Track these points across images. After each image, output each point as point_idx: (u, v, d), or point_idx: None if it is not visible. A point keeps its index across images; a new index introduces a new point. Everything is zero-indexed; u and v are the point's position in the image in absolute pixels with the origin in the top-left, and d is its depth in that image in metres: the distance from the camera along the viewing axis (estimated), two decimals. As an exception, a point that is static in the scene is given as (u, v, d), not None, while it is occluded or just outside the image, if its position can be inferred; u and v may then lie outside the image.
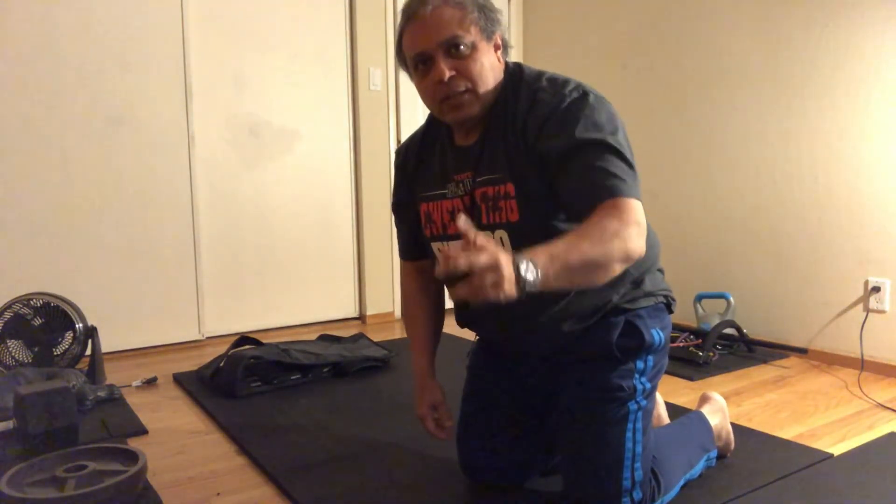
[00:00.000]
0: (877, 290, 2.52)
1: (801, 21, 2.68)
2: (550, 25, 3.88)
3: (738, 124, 2.95)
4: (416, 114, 3.60)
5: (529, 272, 0.98)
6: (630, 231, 1.10)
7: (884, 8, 2.44)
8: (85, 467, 1.51)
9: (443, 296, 1.61)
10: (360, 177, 3.52)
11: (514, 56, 4.02)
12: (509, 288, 0.95)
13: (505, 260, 0.95)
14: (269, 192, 3.29)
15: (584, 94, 1.24)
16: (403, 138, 3.55)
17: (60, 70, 2.73)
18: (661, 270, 1.50)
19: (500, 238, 1.30)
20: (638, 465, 1.35)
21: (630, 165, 1.20)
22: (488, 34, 1.29)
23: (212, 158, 3.12)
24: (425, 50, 1.26)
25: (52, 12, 2.70)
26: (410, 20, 1.28)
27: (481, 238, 0.96)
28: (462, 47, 1.25)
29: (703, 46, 3.06)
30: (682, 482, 1.50)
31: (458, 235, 1.37)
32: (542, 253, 1.02)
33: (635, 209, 1.15)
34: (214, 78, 3.10)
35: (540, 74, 1.31)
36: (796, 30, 2.70)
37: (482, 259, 0.92)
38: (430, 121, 1.49)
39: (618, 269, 1.11)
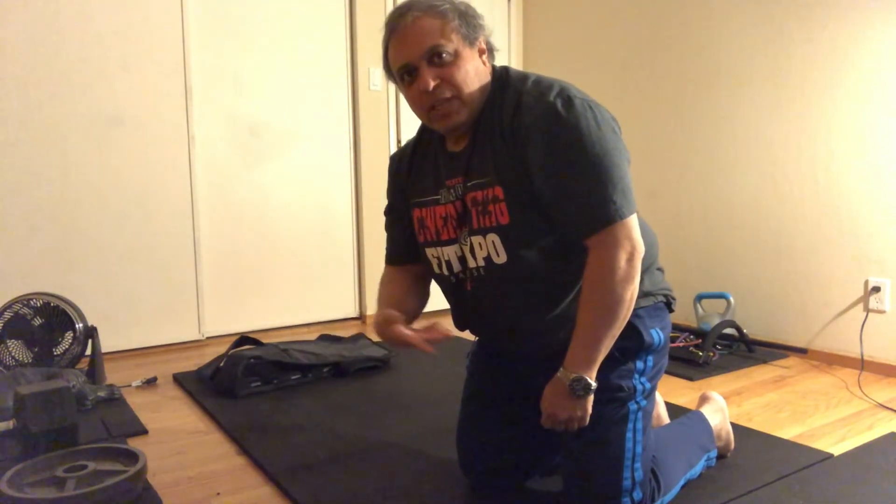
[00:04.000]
0: (877, 290, 2.52)
1: (801, 22, 2.68)
2: (550, 26, 3.88)
3: (738, 124, 2.95)
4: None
5: (586, 388, 1.25)
6: (623, 271, 1.21)
7: (884, 9, 2.44)
8: (85, 467, 1.51)
9: (426, 298, 1.56)
10: (360, 177, 3.52)
11: (514, 57, 4.02)
12: (585, 416, 1.28)
13: (584, 411, 1.27)
14: (269, 192, 3.29)
15: (570, 99, 1.22)
16: (403, 138, 3.56)
17: (60, 70, 2.73)
18: (660, 269, 1.50)
19: (493, 241, 1.30)
20: (638, 465, 1.35)
21: (619, 177, 1.21)
22: (471, 40, 1.29)
23: (212, 158, 3.12)
24: (409, 61, 1.28)
25: (52, 12, 2.70)
26: (393, 33, 1.30)
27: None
28: (444, 55, 1.26)
29: (703, 47, 3.06)
30: (682, 482, 1.50)
31: (450, 241, 1.38)
32: (585, 365, 1.25)
33: (625, 234, 1.21)
34: (214, 78, 3.10)
35: (525, 77, 1.31)
36: (796, 30, 2.70)
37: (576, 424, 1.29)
38: (423, 128, 1.49)
39: (631, 302, 1.24)
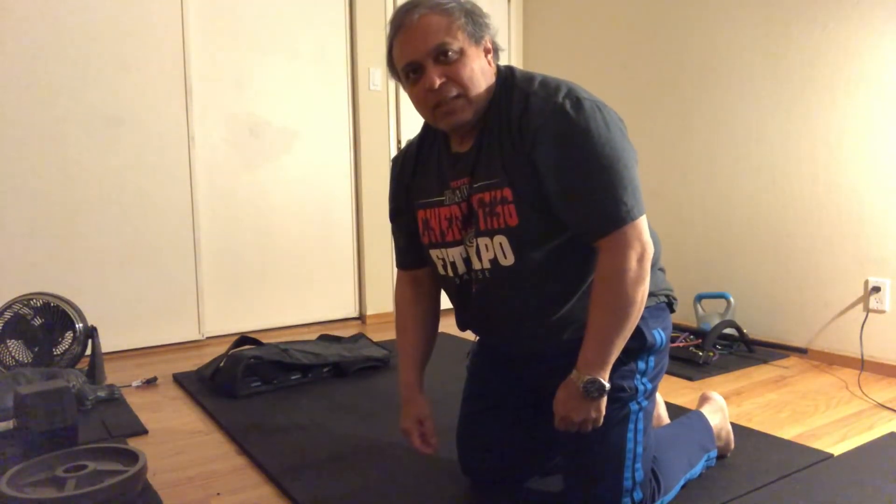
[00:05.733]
0: (877, 290, 2.52)
1: (801, 21, 2.68)
2: (551, 26, 3.88)
3: (738, 124, 2.95)
4: (416, 113, 3.59)
5: (600, 390, 1.24)
6: (634, 272, 1.21)
7: (883, 8, 2.44)
8: (85, 467, 1.51)
9: (438, 307, 1.59)
10: (360, 177, 3.52)
11: (514, 57, 4.02)
12: (599, 417, 1.28)
13: (599, 413, 1.27)
14: (269, 192, 3.29)
15: (579, 100, 1.22)
16: (403, 138, 3.56)
17: (60, 70, 2.73)
18: (662, 269, 1.50)
19: (500, 243, 1.30)
20: (638, 465, 1.35)
21: (629, 179, 1.21)
22: (477, 39, 1.29)
23: (212, 158, 3.12)
24: (414, 59, 1.27)
25: (53, 12, 2.70)
26: (398, 31, 1.28)
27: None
28: (450, 53, 1.25)
29: (704, 47, 3.06)
30: (682, 482, 1.50)
31: (455, 242, 1.38)
32: (598, 366, 1.24)
33: (635, 235, 1.21)
34: (214, 78, 3.10)
35: (532, 77, 1.30)
36: (796, 30, 2.70)
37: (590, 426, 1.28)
38: (426, 129, 1.49)
39: (642, 303, 1.25)
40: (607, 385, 1.25)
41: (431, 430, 1.48)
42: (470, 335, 1.55)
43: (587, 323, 1.25)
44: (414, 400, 1.50)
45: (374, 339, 2.95)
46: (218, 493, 1.59)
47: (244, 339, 2.60)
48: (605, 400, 1.26)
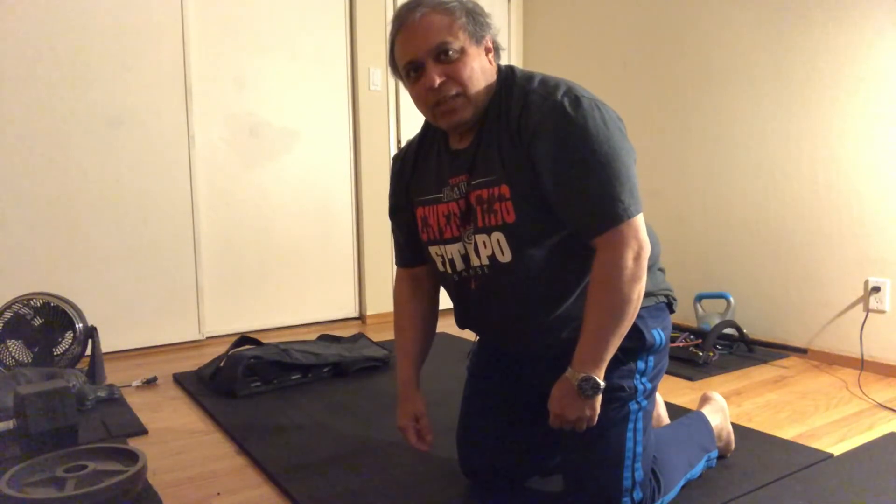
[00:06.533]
0: (877, 290, 2.52)
1: (802, 21, 2.68)
2: (551, 26, 3.88)
3: (738, 124, 2.95)
4: (416, 114, 3.60)
5: (595, 388, 1.24)
6: (630, 270, 1.21)
7: (883, 8, 2.44)
8: (85, 467, 1.51)
9: (436, 306, 1.59)
10: (360, 177, 3.52)
11: (514, 57, 4.03)
12: (594, 415, 1.27)
13: (593, 411, 1.26)
14: (269, 192, 3.29)
15: (577, 98, 1.23)
16: (403, 138, 3.57)
17: (60, 70, 2.73)
18: (661, 270, 1.50)
19: (498, 240, 1.30)
20: (638, 465, 1.35)
21: (626, 177, 1.21)
22: (478, 38, 1.29)
23: (212, 158, 3.12)
24: (415, 58, 1.27)
25: (52, 12, 2.70)
26: (400, 29, 1.29)
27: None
28: (451, 52, 1.26)
29: (704, 46, 3.06)
30: (682, 482, 1.50)
31: (454, 239, 1.38)
32: (593, 365, 1.24)
33: (632, 233, 1.21)
34: (214, 78, 3.10)
35: (532, 76, 1.31)
36: (796, 30, 2.70)
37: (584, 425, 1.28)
38: (426, 127, 1.49)
39: (639, 301, 1.25)
40: (602, 383, 1.25)
41: (427, 427, 1.49)
42: (470, 335, 1.55)
43: (583, 320, 1.25)
44: (410, 397, 1.50)
45: (374, 339, 2.95)
46: (218, 493, 1.59)
47: (244, 339, 2.60)
48: (599, 398, 1.26)
